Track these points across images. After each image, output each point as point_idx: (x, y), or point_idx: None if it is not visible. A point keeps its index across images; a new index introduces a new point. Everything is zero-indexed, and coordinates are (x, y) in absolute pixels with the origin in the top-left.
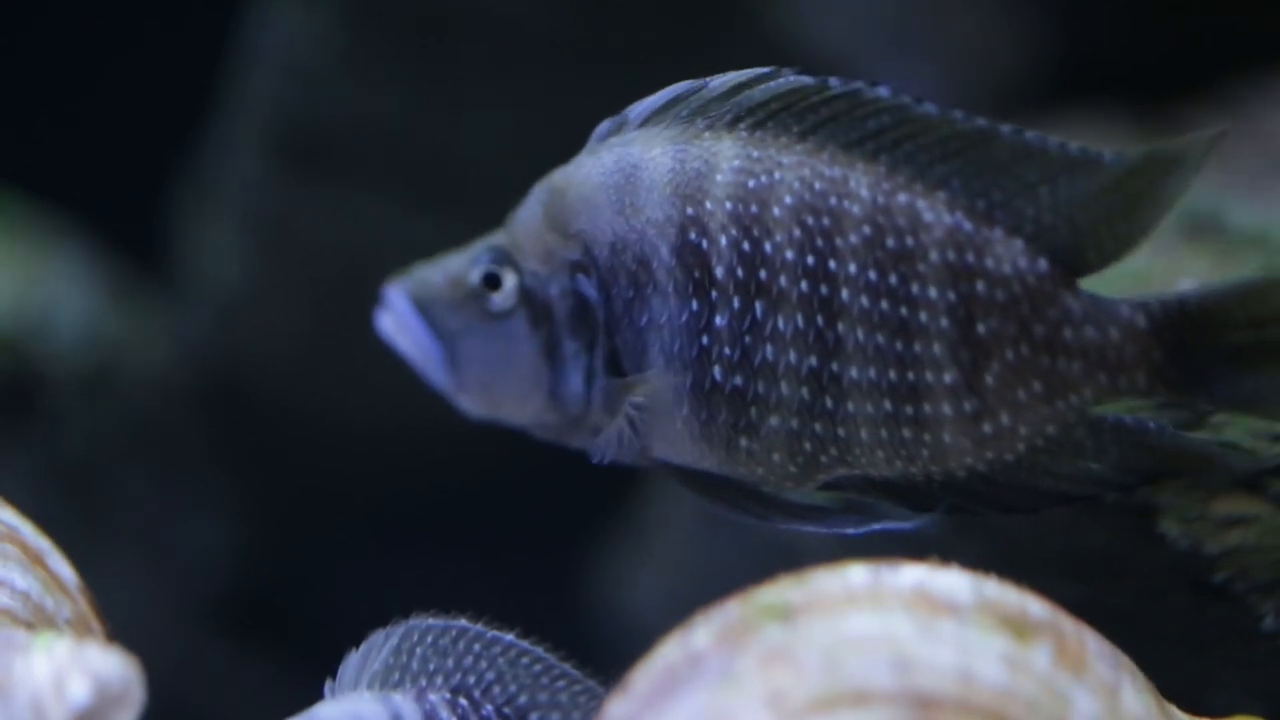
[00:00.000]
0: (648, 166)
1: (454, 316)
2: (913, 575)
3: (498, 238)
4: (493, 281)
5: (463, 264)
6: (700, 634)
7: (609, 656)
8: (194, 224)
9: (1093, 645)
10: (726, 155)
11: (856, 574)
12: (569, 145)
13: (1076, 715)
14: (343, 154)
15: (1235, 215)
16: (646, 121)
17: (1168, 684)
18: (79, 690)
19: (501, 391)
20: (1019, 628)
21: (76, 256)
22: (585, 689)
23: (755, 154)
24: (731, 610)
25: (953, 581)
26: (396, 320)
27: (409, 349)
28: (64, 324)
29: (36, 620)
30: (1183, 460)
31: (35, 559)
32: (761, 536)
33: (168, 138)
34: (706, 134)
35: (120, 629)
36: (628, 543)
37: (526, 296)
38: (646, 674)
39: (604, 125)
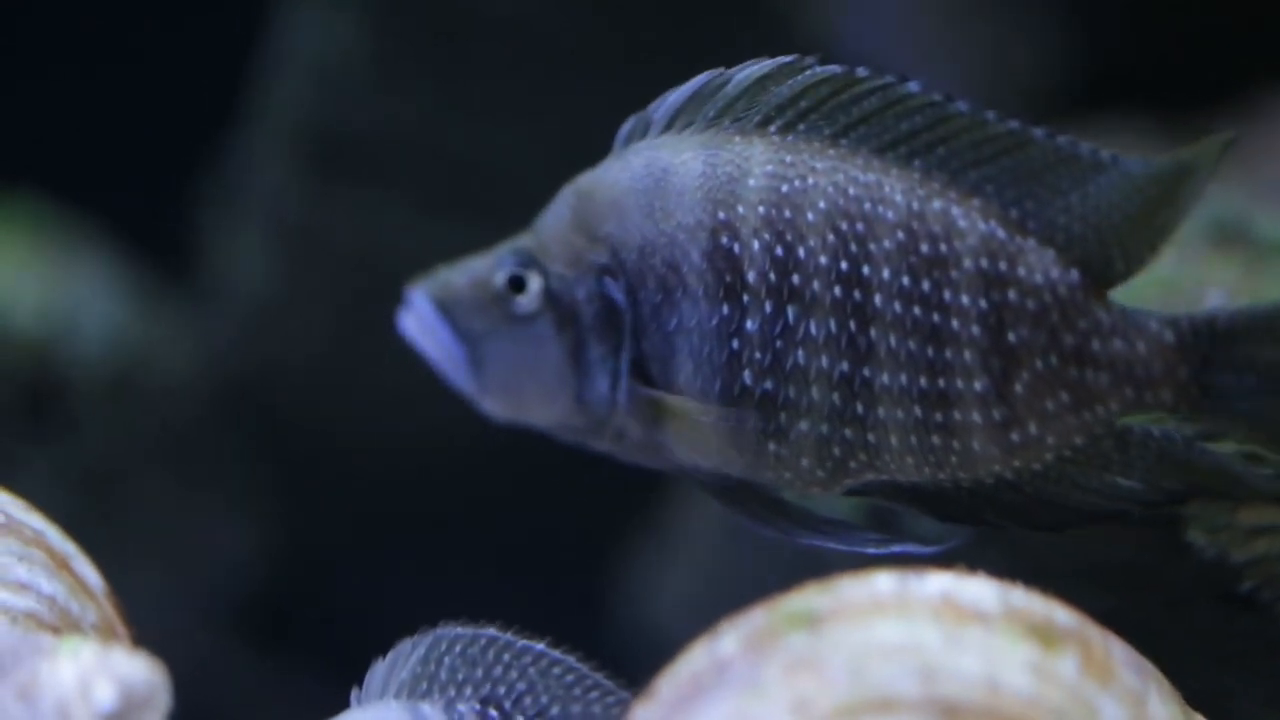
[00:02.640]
0: (678, 170)
1: (478, 319)
2: (939, 583)
3: (523, 240)
4: (517, 284)
5: (487, 266)
6: (726, 641)
7: (634, 664)
8: (220, 229)
9: (1119, 654)
10: (759, 160)
11: (883, 582)
12: (594, 150)
13: None
14: (368, 159)
15: (1263, 225)
16: (673, 119)
17: (1194, 693)
18: (105, 695)
19: (527, 394)
20: (1045, 636)
21: (102, 261)
22: (619, 700)
23: (788, 159)
24: (757, 617)
25: (979, 590)
26: (419, 322)
27: (432, 351)
28: (89, 329)
29: (62, 624)
30: (1210, 477)
31: (61, 563)
32: (787, 544)
33: (194, 143)
34: (737, 138)
35: (145, 634)
36: (653, 550)
37: (552, 299)
38: (672, 680)
39: (627, 124)
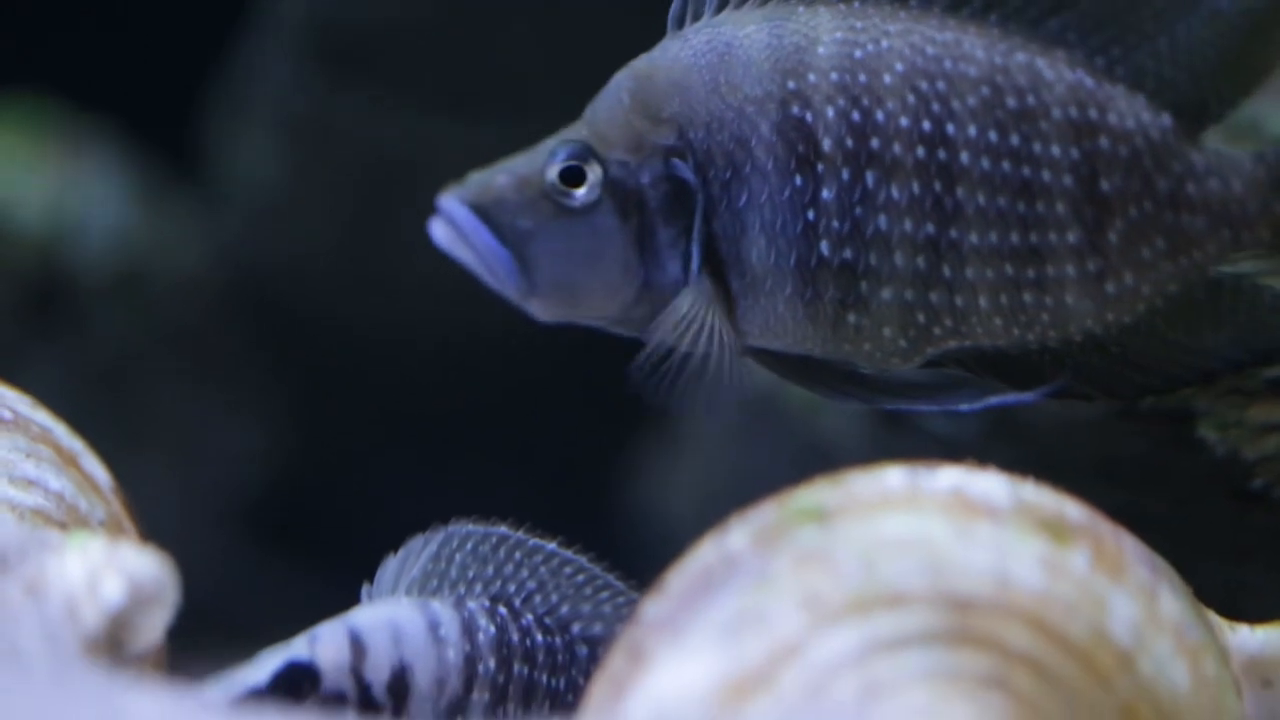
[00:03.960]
0: (742, 44)
1: (524, 217)
2: (950, 478)
3: (573, 132)
4: (573, 176)
5: (535, 163)
6: (736, 536)
7: (644, 564)
8: (228, 128)
9: (1130, 549)
10: (827, 28)
11: (893, 476)
12: (610, 50)
13: (1114, 619)
14: (377, 57)
15: (1275, 121)
16: None
17: (1205, 589)
18: (113, 590)
19: (585, 289)
20: (1057, 531)
21: (109, 160)
22: (628, 600)
23: (858, 24)
24: (767, 512)
25: (990, 484)
26: (455, 229)
27: (470, 258)
28: (96, 227)
29: (70, 521)
30: None
31: (69, 460)
32: (797, 440)
33: (202, 41)
34: (800, 9)
35: (153, 530)
36: (663, 449)
37: (613, 188)
38: (682, 575)
39: (677, 3)
